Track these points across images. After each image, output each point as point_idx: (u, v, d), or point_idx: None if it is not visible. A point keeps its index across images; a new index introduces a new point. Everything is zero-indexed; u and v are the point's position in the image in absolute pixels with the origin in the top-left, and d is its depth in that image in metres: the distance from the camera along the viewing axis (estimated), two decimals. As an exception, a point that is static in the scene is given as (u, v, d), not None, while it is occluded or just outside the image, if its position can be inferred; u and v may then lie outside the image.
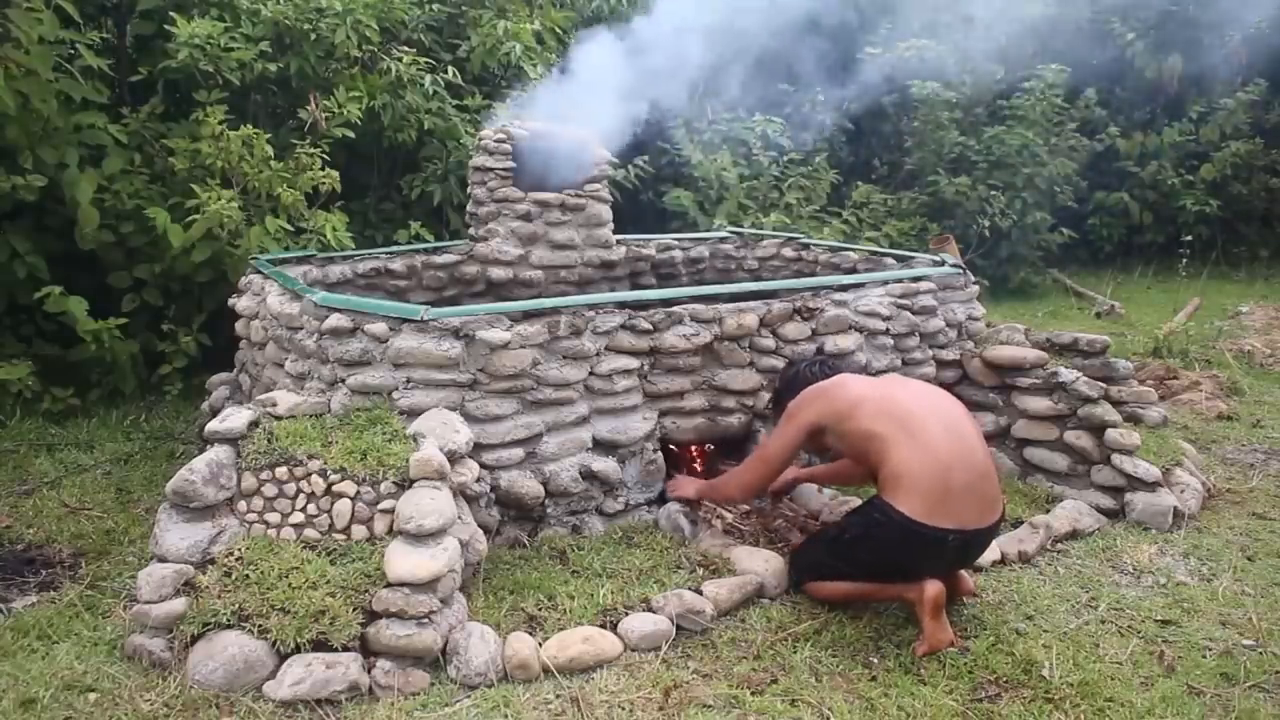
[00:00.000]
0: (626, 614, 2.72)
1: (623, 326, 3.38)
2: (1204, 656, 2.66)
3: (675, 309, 3.50)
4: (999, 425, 3.92)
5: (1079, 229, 9.51)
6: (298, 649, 2.42)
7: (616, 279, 5.00)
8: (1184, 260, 8.38)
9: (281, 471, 2.75)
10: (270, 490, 2.74)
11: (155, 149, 4.97)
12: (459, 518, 2.71)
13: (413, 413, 3.02)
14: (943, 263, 4.38)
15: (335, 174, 4.97)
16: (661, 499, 3.49)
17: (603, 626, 2.68)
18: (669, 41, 5.12)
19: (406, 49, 5.78)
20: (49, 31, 4.33)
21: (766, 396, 3.66)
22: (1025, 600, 2.96)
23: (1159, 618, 2.87)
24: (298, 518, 2.71)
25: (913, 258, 4.66)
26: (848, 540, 2.83)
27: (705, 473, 3.71)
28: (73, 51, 4.69)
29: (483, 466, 3.06)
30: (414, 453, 2.75)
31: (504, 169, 4.65)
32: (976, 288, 4.37)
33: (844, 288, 3.91)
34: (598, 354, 3.34)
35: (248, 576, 2.54)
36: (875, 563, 2.77)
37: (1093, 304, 7.96)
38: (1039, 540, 3.28)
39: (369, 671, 2.44)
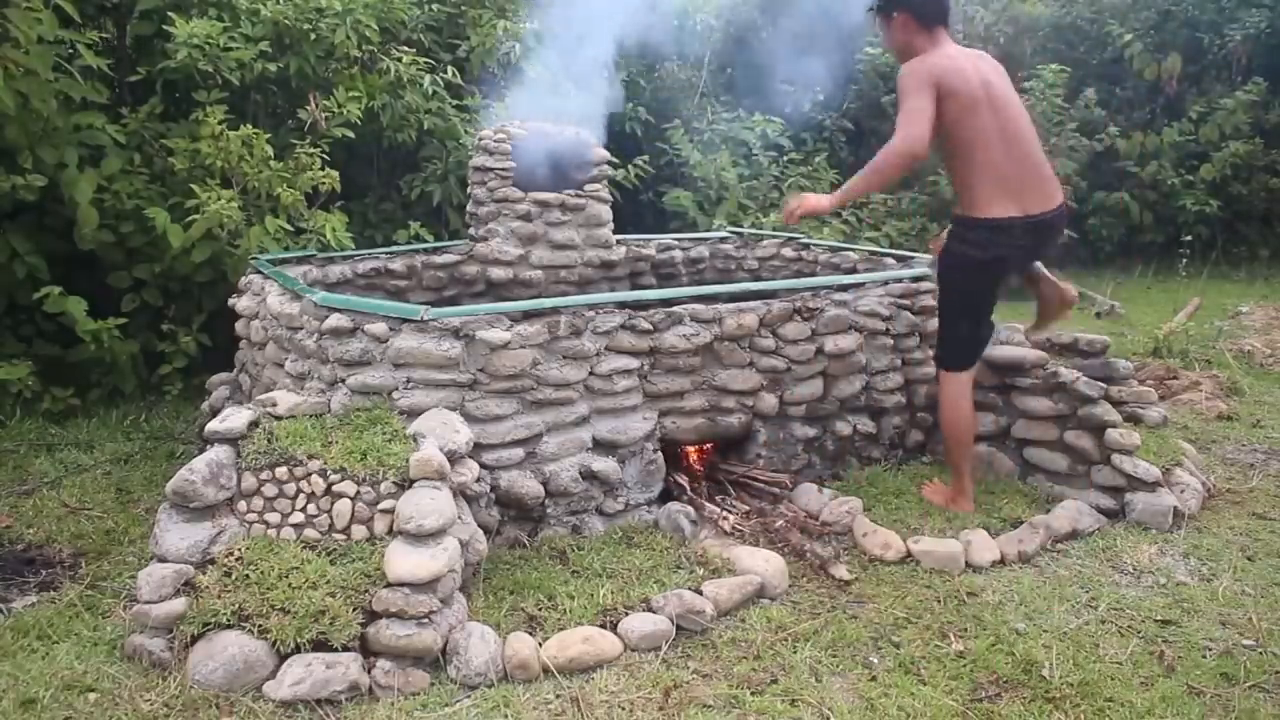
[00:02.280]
0: (626, 614, 2.72)
1: (623, 326, 3.38)
2: (1204, 656, 2.66)
3: (675, 309, 3.50)
4: (999, 425, 3.92)
5: (1079, 229, 9.50)
6: (298, 649, 2.42)
7: (616, 279, 5.01)
8: (1184, 260, 8.38)
9: (281, 471, 2.75)
10: (270, 490, 2.74)
11: (155, 149, 4.97)
12: (459, 518, 2.71)
13: (413, 413, 3.02)
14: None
15: (335, 174, 4.97)
16: (662, 499, 3.49)
17: (603, 626, 2.68)
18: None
19: (406, 49, 5.79)
20: (48, 31, 4.33)
21: (767, 397, 3.66)
22: (1025, 600, 2.96)
23: (1159, 618, 2.87)
24: (298, 518, 2.71)
25: (913, 258, 4.66)
26: (949, 270, 3.50)
27: (703, 471, 3.72)
28: (72, 51, 4.69)
29: (483, 466, 3.06)
30: (414, 453, 2.75)
31: (504, 169, 4.65)
32: (976, 288, 4.37)
33: (844, 288, 3.92)
34: (598, 354, 3.34)
35: (248, 576, 2.54)
36: (969, 283, 3.47)
37: (1093, 304, 7.96)
38: (1039, 540, 3.28)
39: (369, 671, 2.44)
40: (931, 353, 4.00)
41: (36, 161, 4.47)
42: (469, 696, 2.43)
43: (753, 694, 2.44)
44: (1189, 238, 8.89)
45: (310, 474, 2.73)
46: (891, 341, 3.92)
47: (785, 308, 3.68)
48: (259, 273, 4.06)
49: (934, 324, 4.02)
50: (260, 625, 2.44)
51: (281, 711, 2.35)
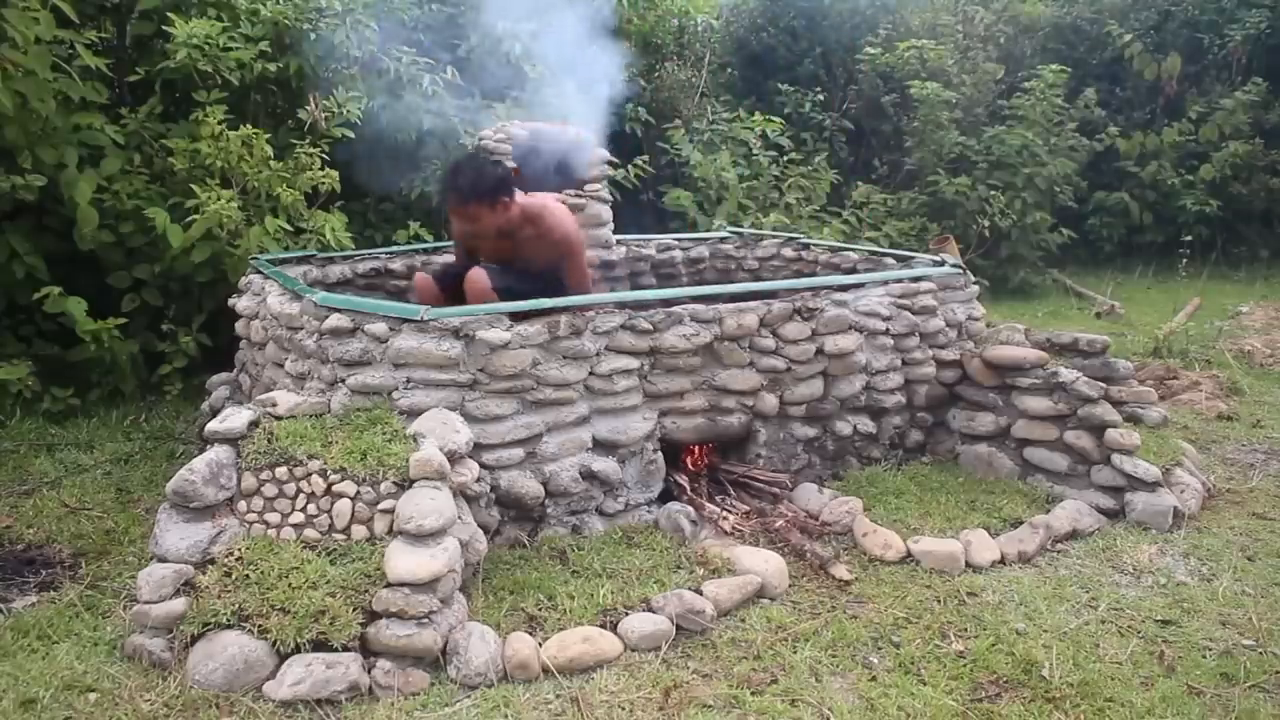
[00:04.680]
0: (626, 614, 2.72)
1: (623, 326, 3.38)
2: (1204, 656, 2.66)
3: (675, 309, 3.50)
4: (999, 425, 3.92)
5: (1079, 229, 9.51)
6: (298, 649, 2.42)
7: (616, 279, 5.00)
8: (1184, 260, 8.38)
9: (281, 471, 2.75)
10: (270, 490, 2.74)
11: (154, 149, 4.97)
12: (459, 518, 2.71)
13: (413, 413, 3.02)
14: (943, 263, 4.38)
15: (335, 174, 4.97)
16: (662, 499, 3.49)
17: (603, 626, 2.68)
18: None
19: (406, 49, 5.78)
20: (45, 31, 4.33)
21: (767, 397, 3.66)
22: (1025, 600, 2.96)
23: (1159, 618, 2.87)
24: (298, 518, 2.71)
25: (913, 258, 4.66)
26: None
27: (703, 471, 3.72)
28: (71, 51, 4.68)
29: (483, 466, 3.06)
30: (414, 453, 2.75)
31: (504, 169, 4.64)
32: (976, 288, 4.37)
33: (844, 288, 3.91)
34: (598, 354, 3.34)
35: (248, 576, 2.54)
36: None
37: (1093, 304, 7.96)
38: (1039, 540, 3.28)
39: (369, 671, 2.44)
40: (930, 354, 3.99)
41: (36, 161, 4.47)
42: (469, 696, 2.43)
43: (753, 694, 2.44)
44: (1189, 238, 8.89)
45: (310, 474, 2.73)
46: (891, 341, 3.92)
47: (785, 308, 3.68)
48: (259, 273, 4.06)
49: (934, 323, 4.03)
50: (260, 625, 2.44)
51: (281, 711, 2.35)
